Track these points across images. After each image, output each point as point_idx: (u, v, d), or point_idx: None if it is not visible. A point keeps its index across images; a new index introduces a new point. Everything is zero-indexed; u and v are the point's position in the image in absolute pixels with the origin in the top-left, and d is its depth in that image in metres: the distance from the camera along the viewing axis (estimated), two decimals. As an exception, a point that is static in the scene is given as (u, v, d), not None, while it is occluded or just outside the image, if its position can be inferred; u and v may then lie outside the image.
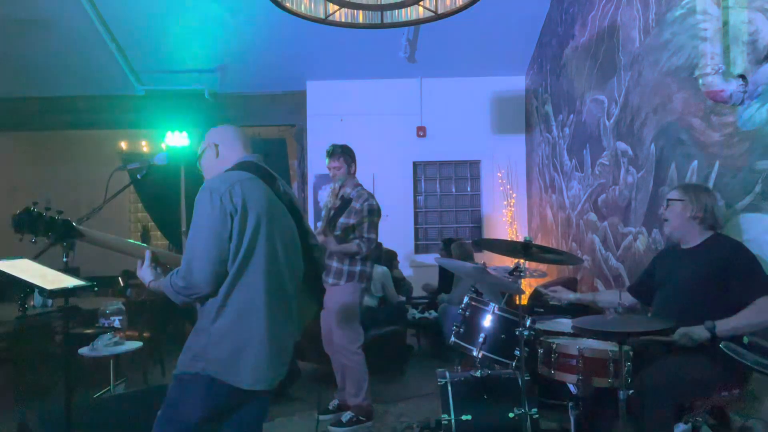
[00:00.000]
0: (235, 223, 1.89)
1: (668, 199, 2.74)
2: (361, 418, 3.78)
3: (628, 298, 2.95)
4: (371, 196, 3.89)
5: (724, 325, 2.36)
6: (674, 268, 2.71)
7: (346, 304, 3.79)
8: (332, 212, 3.84)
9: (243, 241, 1.91)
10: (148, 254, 2.09)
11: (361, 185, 3.96)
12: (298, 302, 2.12)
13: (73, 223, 2.05)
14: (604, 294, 3.36)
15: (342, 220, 3.80)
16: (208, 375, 1.90)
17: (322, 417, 3.89)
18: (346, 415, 3.80)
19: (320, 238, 3.63)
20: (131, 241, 2.30)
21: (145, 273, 2.08)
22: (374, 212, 3.83)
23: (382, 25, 3.35)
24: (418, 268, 7.27)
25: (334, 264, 3.79)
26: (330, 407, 3.98)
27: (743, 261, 2.48)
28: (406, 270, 6.99)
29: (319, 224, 3.90)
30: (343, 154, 3.88)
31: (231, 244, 1.89)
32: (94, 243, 2.12)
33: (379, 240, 6.31)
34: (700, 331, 2.39)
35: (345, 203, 3.83)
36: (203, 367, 1.90)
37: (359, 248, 3.74)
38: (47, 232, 2.00)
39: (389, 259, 6.08)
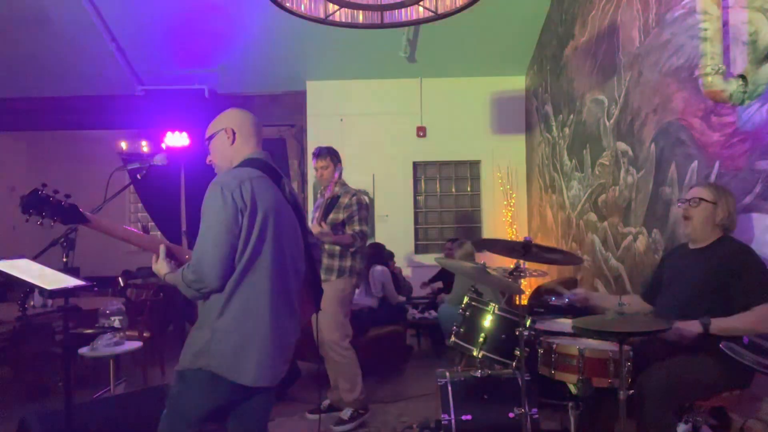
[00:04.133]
0: (244, 220, 1.90)
1: (699, 198, 2.60)
2: (360, 411, 3.82)
3: (632, 300, 2.93)
4: (359, 191, 3.95)
5: (719, 324, 2.36)
6: (682, 267, 2.70)
7: (337, 300, 3.79)
8: (323, 210, 3.86)
9: (251, 238, 1.91)
10: (162, 248, 2.08)
11: (347, 184, 4.01)
12: (299, 301, 2.13)
13: (80, 209, 2.04)
14: (605, 297, 3.32)
15: (332, 216, 3.83)
16: (210, 371, 1.91)
17: (310, 416, 3.93)
18: (347, 412, 3.80)
19: (315, 230, 3.66)
20: (136, 231, 2.28)
21: (161, 266, 2.06)
22: (363, 206, 3.87)
23: (382, 25, 3.35)
24: (418, 268, 7.27)
25: (325, 260, 3.81)
26: (321, 407, 3.98)
27: (750, 265, 2.46)
28: (406, 270, 6.99)
29: (313, 219, 3.92)
30: (329, 154, 3.94)
31: (239, 241, 1.90)
32: (101, 230, 2.11)
33: (380, 240, 6.35)
34: (692, 326, 2.39)
35: (333, 200, 3.88)
36: (206, 363, 1.91)
37: (353, 239, 3.77)
38: (54, 215, 2.00)
39: (388, 258, 6.07)
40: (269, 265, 1.95)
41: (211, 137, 2.15)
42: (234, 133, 2.11)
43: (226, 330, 1.91)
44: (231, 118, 2.14)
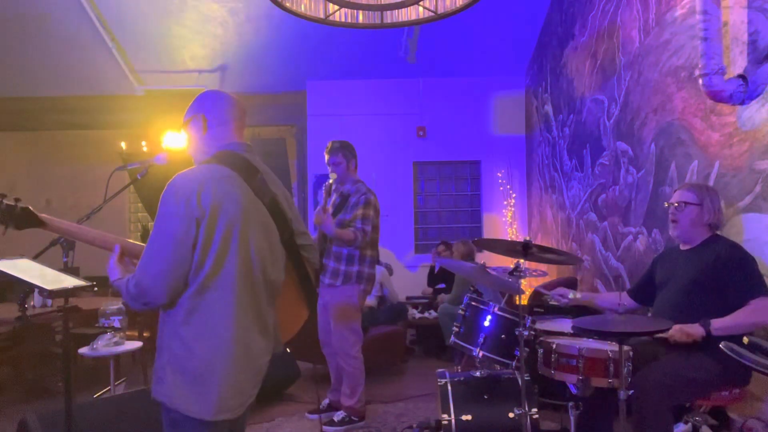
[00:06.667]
0: (201, 230, 1.63)
1: (684, 202, 2.62)
2: (353, 418, 3.77)
3: (627, 300, 2.95)
4: (370, 191, 3.82)
5: (719, 324, 2.37)
6: (674, 269, 2.70)
7: (344, 306, 3.73)
8: (332, 209, 3.78)
9: (210, 250, 1.65)
10: (117, 248, 1.82)
11: (362, 182, 3.89)
12: (275, 314, 1.87)
13: (34, 211, 1.92)
14: (604, 296, 3.34)
15: (340, 216, 3.73)
16: (162, 402, 1.67)
17: (310, 416, 3.90)
18: (338, 415, 3.78)
19: (317, 220, 3.56)
20: (98, 231, 2.01)
21: (113, 270, 1.79)
22: (369, 205, 3.75)
23: (382, 25, 3.36)
24: (418, 268, 7.27)
25: (331, 264, 3.72)
26: (321, 407, 3.97)
27: (741, 262, 2.47)
28: (406, 270, 6.99)
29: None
30: (342, 149, 3.81)
31: (195, 253, 1.63)
32: (59, 233, 1.95)
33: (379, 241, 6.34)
34: (695, 329, 2.39)
35: (344, 200, 3.78)
36: (161, 392, 1.67)
37: (354, 236, 3.63)
38: (4, 219, 1.88)
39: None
40: (233, 280, 1.68)
41: (185, 125, 1.89)
42: (205, 120, 1.83)
43: (184, 355, 1.66)
44: (203, 103, 1.87)
